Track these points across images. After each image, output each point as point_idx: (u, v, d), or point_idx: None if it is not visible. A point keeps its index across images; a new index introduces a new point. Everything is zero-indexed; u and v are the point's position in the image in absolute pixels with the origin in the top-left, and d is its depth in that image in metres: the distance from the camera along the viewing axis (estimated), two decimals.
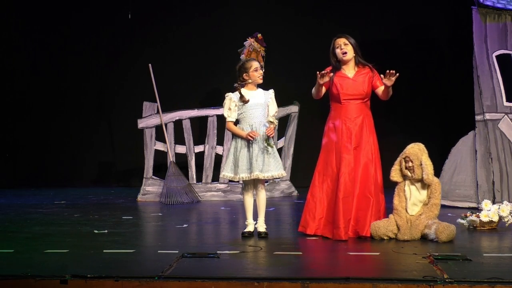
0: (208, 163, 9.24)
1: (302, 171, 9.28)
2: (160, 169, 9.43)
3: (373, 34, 9.89)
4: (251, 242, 5.90)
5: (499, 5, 7.70)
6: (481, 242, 5.90)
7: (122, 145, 10.90)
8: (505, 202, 6.60)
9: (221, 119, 8.12)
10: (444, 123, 10.13)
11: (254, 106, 6.14)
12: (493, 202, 6.96)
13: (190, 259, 5.13)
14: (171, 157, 9.16)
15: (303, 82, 7.41)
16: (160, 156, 9.34)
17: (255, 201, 6.24)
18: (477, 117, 7.78)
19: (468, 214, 6.53)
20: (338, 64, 6.28)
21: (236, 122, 6.21)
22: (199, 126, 9.69)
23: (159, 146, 9.23)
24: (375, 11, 10.22)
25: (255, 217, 6.23)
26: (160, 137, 9.24)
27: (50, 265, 5.00)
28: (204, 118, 9.29)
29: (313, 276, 4.59)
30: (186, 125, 9.20)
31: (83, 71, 10.87)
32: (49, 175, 11.00)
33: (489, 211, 6.38)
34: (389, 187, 6.26)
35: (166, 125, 9.16)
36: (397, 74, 5.97)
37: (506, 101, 7.72)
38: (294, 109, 9.43)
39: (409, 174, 5.99)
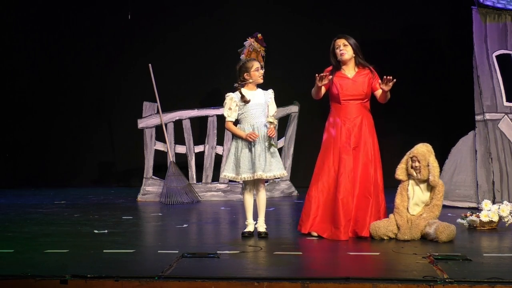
0: (208, 163, 9.23)
1: (302, 171, 9.28)
2: (160, 169, 9.42)
3: (373, 34, 9.88)
4: (251, 242, 5.90)
5: (499, 5, 7.70)
6: (481, 242, 5.90)
7: (122, 145, 10.89)
8: (505, 202, 6.59)
9: (221, 119, 8.11)
10: (444, 123, 10.11)
11: (255, 106, 6.13)
12: (493, 202, 6.96)
13: (190, 259, 5.13)
14: (171, 157, 9.16)
15: (303, 82, 7.40)
16: (160, 156, 9.34)
17: (255, 201, 6.23)
18: (477, 117, 7.78)
19: (468, 214, 6.52)
20: (338, 64, 6.28)
21: (236, 122, 6.20)
22: (199, 126, 9.69)
23: (159, 146, 9.23)
24: (375, 11, 10.21)
25: (255, 217, 6.22)
26: (160, 137, 9.23)
27: (50, 265, 5.00)
28: (204, 118, 9.29)
29: (313, 276, 4.59)
30: (186, 125, 9.20)
31: (83, 71, 10.86)
32: (49, 175, 10.99)
33: (489, 211, 6.38)
34: (390, 187, 6.26)
35: (166, 125, 9.16)
36: (394, 80, 5.97)
37: (506, 101, 7.72)
38: (294, 109, 9.43)
39: (414, 173, 5.97)
